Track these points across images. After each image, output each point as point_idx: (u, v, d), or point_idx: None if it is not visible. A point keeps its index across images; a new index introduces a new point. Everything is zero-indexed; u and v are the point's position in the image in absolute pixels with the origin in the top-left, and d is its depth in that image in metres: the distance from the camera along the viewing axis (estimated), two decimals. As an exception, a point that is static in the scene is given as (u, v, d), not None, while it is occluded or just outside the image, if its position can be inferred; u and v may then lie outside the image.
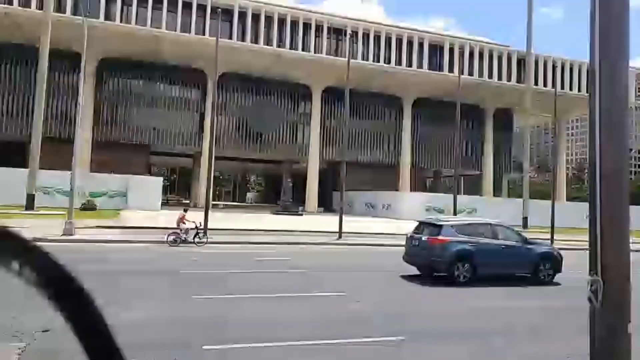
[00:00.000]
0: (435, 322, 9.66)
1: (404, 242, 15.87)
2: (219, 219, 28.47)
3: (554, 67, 52.61)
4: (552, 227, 26.76)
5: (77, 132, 23.95)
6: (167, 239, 19.56)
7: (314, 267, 15.91)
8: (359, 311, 10.26)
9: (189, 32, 42.76)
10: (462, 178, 69.32)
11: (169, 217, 24.96)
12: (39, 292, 0.60)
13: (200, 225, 20.08)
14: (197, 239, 19.74)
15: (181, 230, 19.87)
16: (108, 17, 41.54)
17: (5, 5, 38.94)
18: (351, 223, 29.93)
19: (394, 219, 41.13)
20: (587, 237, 3.17)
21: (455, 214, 33.71)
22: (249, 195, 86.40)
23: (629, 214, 3.14)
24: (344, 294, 11.50)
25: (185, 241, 19.65)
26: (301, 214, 40.03)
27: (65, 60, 44.41)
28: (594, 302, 3.06)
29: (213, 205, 50.16)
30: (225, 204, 59.22)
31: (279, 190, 48.12)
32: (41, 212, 29.84)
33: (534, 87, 52.08)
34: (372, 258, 19.57)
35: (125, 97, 47.76)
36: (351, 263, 18.07)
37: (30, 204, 30.99)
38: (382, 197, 45.69)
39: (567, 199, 70.65)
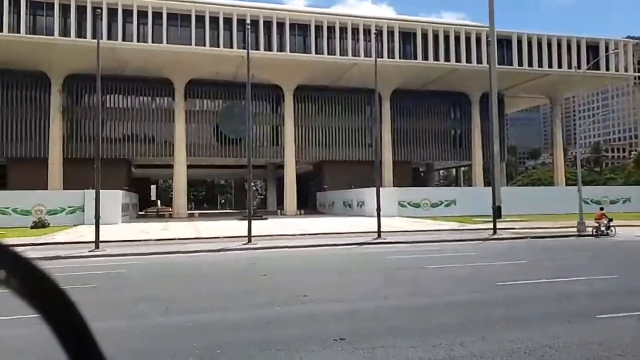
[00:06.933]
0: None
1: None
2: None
3: (539, 45, 49.74)
4: (494, 215, 24.97)
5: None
6: (592, 232, 24.12)
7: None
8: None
9: (147, 41, 42.15)
10: (458, 169, 66.73)
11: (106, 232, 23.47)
12: (24, 300, 0.60)
13: (611, 221, 24.00)
14: (609, 232, 23.83)
15: (600, 224, 23.92)
16: (65, 33, 41.23)
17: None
18: (289, 225, 28.14)
19: (364, 216, 39.35)
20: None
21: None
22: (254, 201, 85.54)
23: None
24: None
25: (601, 234, 23.77)
26: (265, 218, 38.67)
27: (29, 79, 44.83)
28: None
29: (189, 214, 49.62)
30: (201, 212, 58.39)
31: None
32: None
33: (519, 68, 49.48)
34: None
35: (94, 112, 47.41)
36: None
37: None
38: (357, 195, 43.96)
39: (583, 184, 66.82)
